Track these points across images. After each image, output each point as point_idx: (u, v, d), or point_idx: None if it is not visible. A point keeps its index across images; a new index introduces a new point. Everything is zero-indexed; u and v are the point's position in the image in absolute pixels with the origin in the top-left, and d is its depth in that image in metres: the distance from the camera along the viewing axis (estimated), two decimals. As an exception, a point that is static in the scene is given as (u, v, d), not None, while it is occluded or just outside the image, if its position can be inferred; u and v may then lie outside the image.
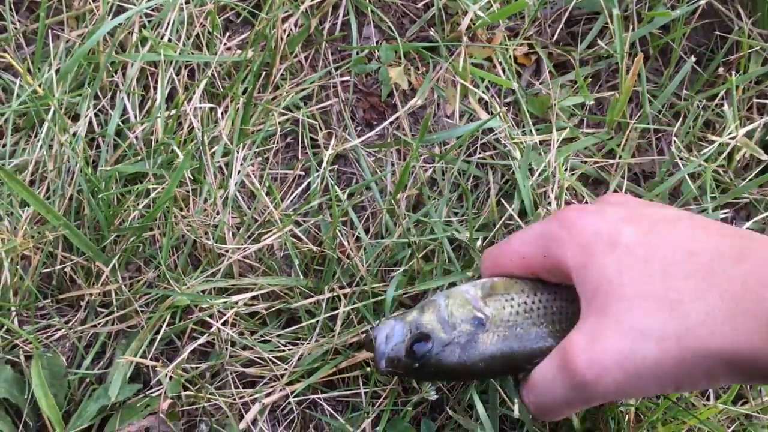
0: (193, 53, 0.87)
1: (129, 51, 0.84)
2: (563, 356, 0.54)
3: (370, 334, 0.63)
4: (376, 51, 0.91)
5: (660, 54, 0.96)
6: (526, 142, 0.86)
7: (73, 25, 0.86)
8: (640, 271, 0.51)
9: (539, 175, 0.85)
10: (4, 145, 0.80)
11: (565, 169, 0.87)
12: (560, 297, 0.61)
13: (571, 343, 0.53)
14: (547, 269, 0.59)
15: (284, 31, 0.89)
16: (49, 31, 0.86)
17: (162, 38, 0.85)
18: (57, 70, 0.81)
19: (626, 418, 0.76)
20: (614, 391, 0.51)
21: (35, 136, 0.80)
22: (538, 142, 0.88)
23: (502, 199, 0.85)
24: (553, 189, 0.85)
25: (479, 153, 0.88)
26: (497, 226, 0.83)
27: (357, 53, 0.91)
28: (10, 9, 0.86)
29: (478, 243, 0.81)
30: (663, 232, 0.53)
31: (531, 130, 0.88)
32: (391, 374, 0.62)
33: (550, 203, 0.84)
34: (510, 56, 0.92)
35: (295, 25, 0.91)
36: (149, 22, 0.86)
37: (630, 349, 0.50)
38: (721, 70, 0.93)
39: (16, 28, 0.86)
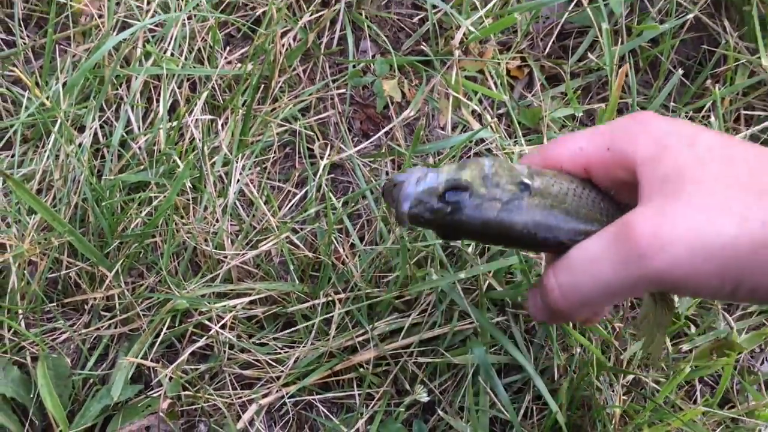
0: (194, 67, 0.90)
1: (133, 65, 0.88)
2: (622, 226, 0.47)
3: (392, 180, 0.55)
4: (372, 64, 0.94)
5: (650, 66, 0.99)
6: (517, 152, 0.89)
7: (79, 40, 0.90)
8: (723, 164, 0.46)
9: (530, 184, 0.88)
10: (13, 155, 0.83)
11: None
12: (609, 199, 0.55)
13: (635, 213, 0.47)
14: (605, 165, 0.52)
15: (283, 45, 0.92)
16: (57, 46, 0.89)
17: (165, 52, 0.88)
18: (64, 84, 0.84)
19: (612, 422, 0.78)
20: (668, 272, 0.45)
21: (42, 147, 0.84)
22: (529, 152, 0.90)
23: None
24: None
25: (471, 163, 0.90)
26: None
27: (353, 66, 0.94)
28: (19, 24, 0.90)
29: (470, 248, 0.84)
30: (741, 143, 0.49)
31: (521, 141, 0.91)
32: (413, 222, 0.53)
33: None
34: (503, 69, 0.95)
35: (294, 39, 0.94)
36: (153, 37, 0.90)
37: (706, 221, 0.44)
38: (708, 82, 0.96)
39: (24, 43, 0.90)
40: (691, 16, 0.95)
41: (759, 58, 0.93)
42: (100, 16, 0.89)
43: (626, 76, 0.88)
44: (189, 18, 0.90)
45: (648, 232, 0.45)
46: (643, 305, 0.58)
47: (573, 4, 0.97)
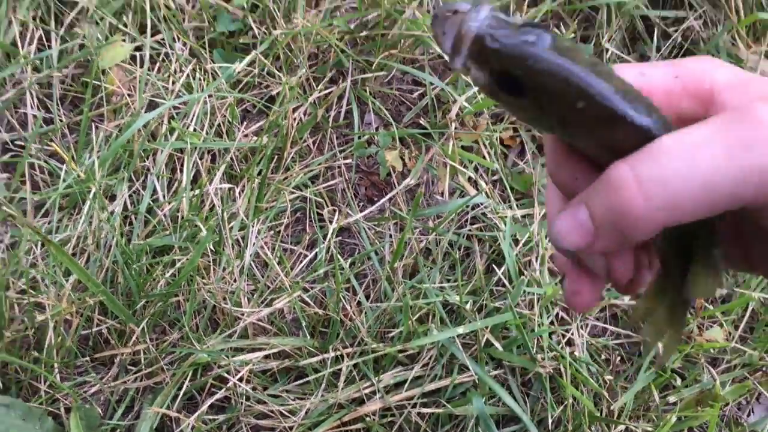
0: (214, 140, 0.99)
1: (159, 139, 0.96)
2: (737, 112, 0.39)
3: (448, 6, 0.43)
4: (376, 136, 1.03)
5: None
6: (510, 215, 0.97)
7: (110, 117, 0.99)
8: None
9: (524, 245, 0.96)
10: (50, 222, 0.91)
11: (547, 239, 0.97)
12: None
13: (750, 105, 0.39)
14: (670, 93, 0.44)
15: (294, 119, 1.01)
16: (91, 123, 0.98)
17: (188, 128, 0.97)
18: (97, 157, 0.93)
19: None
20: None
21: (77, 214, 0.92)
22: (521, 216, 0.98)
23: (493, 265, 0.95)
24: (537, 257, 0.95)
25: (468, 226, 0.98)
26: (485, 291, 0.92)
27: (359, 138, 1.03)
28: (57, 104, 0.99)
29: (468, 306, 0.91)
30: None
31: (515, 205, 0.99)
32: (475, 52, 0.41)
33: (534, 270, 0.94)
34: (497, 138, 1.04)
35: (304, 114, 1.03)
36: (177, 113, 0.99)
37: None
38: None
39: (61, 120, 0.99)
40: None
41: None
42: (130, 96, 0.98)
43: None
44: (210, 96, 1.00)
45: None
46: (658, 311, 0.47)
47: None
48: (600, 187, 0.40)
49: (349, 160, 1.02)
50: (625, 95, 0.40)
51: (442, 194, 1.01)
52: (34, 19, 1.00)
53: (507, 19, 0.41)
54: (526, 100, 0.41)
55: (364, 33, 1.06)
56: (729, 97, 0.42)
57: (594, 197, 0.40)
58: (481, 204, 0.99)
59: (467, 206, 0.98)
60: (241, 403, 0.85)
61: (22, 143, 0.97)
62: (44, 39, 1.01)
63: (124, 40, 1.00)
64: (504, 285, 0.94)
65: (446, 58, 0.45)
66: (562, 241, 0.41)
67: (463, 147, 1.03)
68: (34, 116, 0.98)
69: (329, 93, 1.04)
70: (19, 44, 0.98)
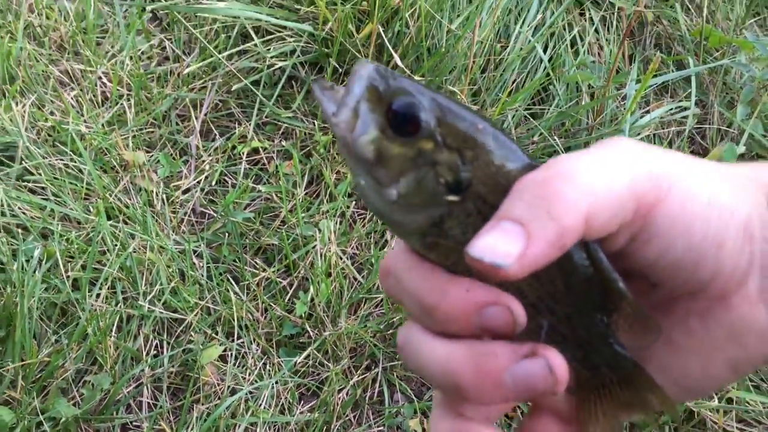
0: (278, 416, 1.31)
1: (239, 417, 1.29)
2: None
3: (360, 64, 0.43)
4: (402, 409, 1.34)
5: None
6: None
7: (204, 401, 1.33)
8: None
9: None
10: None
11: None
12: None
13: None
14: None
15: (339, 398, 1.33)
16: (191, 406, 1.32)
17: (260, 406, 1.30)
18: None
19: None
20: None
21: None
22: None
23: None
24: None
25: None
26: None
27: (389, 412, 1.34)
28: (165, 392, 1.34)
29: None
30: None
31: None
32: (367, 101, 0.41)
33: None
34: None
35: (347, 394, 1.35)
36: (251, 396, 1.32)
37: None
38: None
39: (166, 404, 1.33)
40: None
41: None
42: (219, 384, 1.33)
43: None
44: (276, 383, 1.34)
45: None
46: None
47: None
48: (523, 188, 0.39)
49: (381, 428, 1.32)
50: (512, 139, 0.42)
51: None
52: (153, 331, 1.40)
53: (389, 71, 0.42)
54: (419, 138, 0.40)
55: (391, 331, 1.42)
56: None
57: (517, 200, 0.39)
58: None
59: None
60: None
61: (138, 423, 1.30)
62: (159, 346, 1.40)
63: (221, 343, 1.38)
64: None
65: (330, 119, 0.41)
66: (491, 256, 0.37)
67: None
68: (148, 402, 1.33)
69: (365, 377, 1.37)
70: (143, 351, 1.37)
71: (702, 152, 1.80)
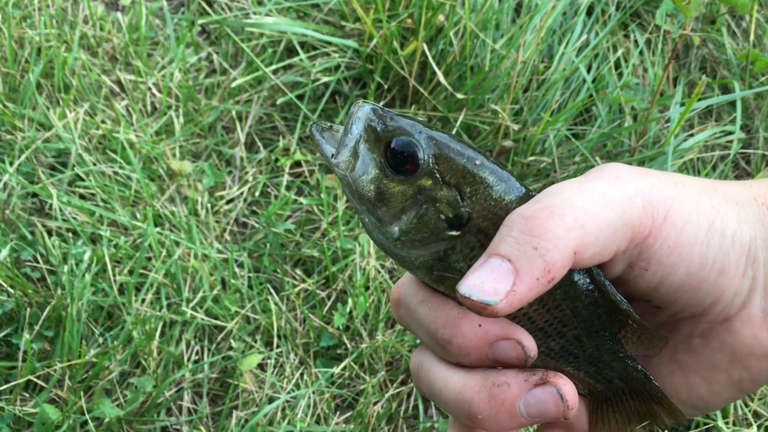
0: (314, 425, 1.32)
1: (275, 424, 1.31)
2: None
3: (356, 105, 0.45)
4: (436, 423, 1.35)
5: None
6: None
7: (242, 407, 1.35)
8: None
9: None
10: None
11: None
12: None
13: None
14: None
15: (374, 411, 1.34)
16: (230, 412, 1.34)
17: (296, 415, 1.32)
18: (230, 437, 1.27)
19: None
20: None
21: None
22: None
23: None
24: None
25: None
26: None
27: (423, 426, 1.35)
28: (205, 398, 1.37)
29: None
30: None
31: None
32: (366, 142, 0.42)
33: None
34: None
35: (382, 407, 1.36)
36: (288, 405, 1.34)
37: None
38: None
39: (200, 411, 1.35)
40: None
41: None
42: (257, 391, 1.36)
43: None
44: (313, 392, 1.36)
45: None
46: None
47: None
48: (511, 223, 0.40)
49: (415, 443, 1.33)
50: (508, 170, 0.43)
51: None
52: (194, 337, 1.43)
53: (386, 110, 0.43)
54: (418, 176, 0.40)
55: (427, 346, 1.43)
56: None
57: (505, 236, 0.40)
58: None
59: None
60: None
61: (178, 427, 1.33)
62: (200, 352, 1.42)
63: (260, 352, 1.41)
64: None
65: (329, 161, 0.43)
66: (479, 294, 0.38)
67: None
68: (188, 407, 1.36)
69: (401, 391, 1.38)
70: (185, 356, 1.40)
71: (746, 177, 1.79)
